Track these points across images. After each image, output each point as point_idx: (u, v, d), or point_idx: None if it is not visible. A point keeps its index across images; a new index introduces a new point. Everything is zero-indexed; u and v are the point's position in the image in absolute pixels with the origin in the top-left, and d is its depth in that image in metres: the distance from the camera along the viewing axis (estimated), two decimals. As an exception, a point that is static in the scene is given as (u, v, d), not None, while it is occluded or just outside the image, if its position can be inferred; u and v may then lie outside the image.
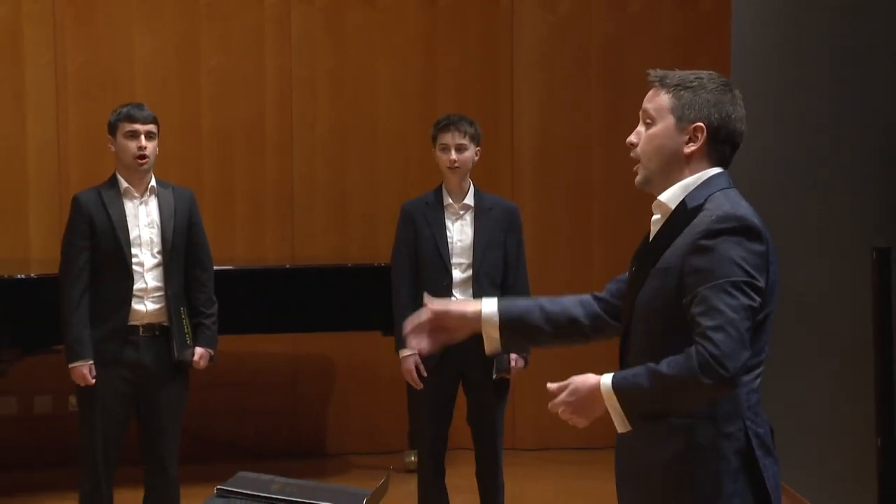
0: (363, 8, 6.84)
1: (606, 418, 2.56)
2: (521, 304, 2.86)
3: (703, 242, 2.48)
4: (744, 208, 2.53)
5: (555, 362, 6.20)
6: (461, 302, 2.91)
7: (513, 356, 4.85)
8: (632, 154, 2.67)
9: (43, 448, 6.51)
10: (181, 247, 4.75)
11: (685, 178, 2.61)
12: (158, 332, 4.68)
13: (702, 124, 2.59)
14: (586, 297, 2.86)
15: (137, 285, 4.64)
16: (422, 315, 2.83)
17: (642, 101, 2.67)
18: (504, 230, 4.89)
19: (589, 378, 2.55)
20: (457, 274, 4.80)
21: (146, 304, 4.66)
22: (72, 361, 4.60)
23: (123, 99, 5.17)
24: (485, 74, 6.93)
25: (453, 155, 4.83)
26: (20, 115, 6.57)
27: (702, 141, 2.60)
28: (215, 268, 4.95)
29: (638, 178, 2.67)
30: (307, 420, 6.91)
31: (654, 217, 2.66)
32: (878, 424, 3.88)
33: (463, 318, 2.84)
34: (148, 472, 4.80)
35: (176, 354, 4.68)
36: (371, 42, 6.85)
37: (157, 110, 4.84)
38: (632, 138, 2.67)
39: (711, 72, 2.66)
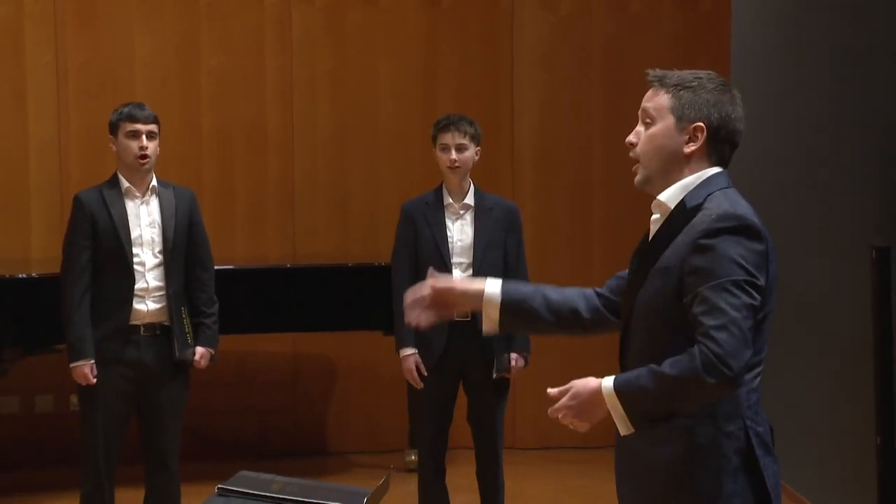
0: (364, 8, 6.84)
1: (606, 418, 2.56)
2: (524, 288, 2.86)
3: (703, 242, 2.48)
4: (743, 207, 2.54)
5: (555, 362, 6.24)
6: (465, 280, 2.92)
7: (513, 355, 4.86)
8: (631, 154, 2.68)
9: (44, 447, 6.52)
10: (182, 246, 4.76)
11: (685, 177, 2.61)
12: (159, 332, 4.69)
13: (702, 124, 2.60)
14: (589, 290, 2.87)
15: (139, 285, 4.65)
16: (423, 289, 2.84)
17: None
18: (504, 230, 4.89)
19: (589, 381, 2.54)
20: (457, 273, 4.80)
21: (147, 304, 4.67)
22: (73, 361, 4.60)
23: (124, 98, 5.18)
24: (485, 74, 6.93)
25: (453, 155, 4.84)
26: (21, 114, 6.58)
27: (702, 141, 2.60)
28: (216, 267, 4.96)
29: (637, 178, 2.67)
30: (308, 419, 6.91)
31: (654, 216, 2.67)
32: (877, 424, 3.88)
33: (465, 295, 2.85)
34: (149, 470, 4.81)
35: (177, 354, 4.68)
36: (372, 42, 6.85)
37: (158, 110, 4.85)
38: (631, 138, 2.68)
39: (710, 72, 2.67)
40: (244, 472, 2.72)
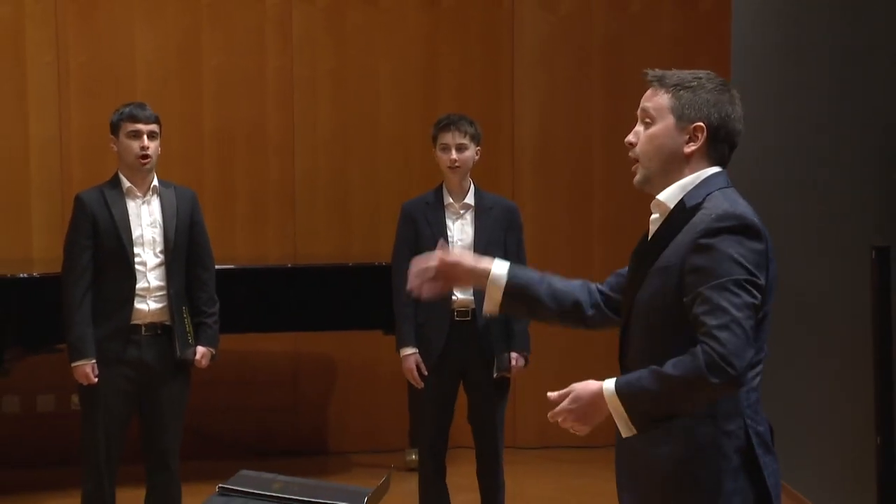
0: (364, 8, 6.85)
1: (607, 419, 2.56)
2: (531, 274, 2.86)
3: (703, 241, 2.48)
4: (742, 207, 2.54)
5: (555, 361, 6.25)
6: (474, 257, 2.92)
7: (513, 355, 4.87)
8: (630, 154, 2.68)
9: (45, 447, 6.52)
10: (183, 246, 4.76)
11: (684, 177, 2.61)
12: (160, 332, 4.69)
13: (702, 124, 2.60)
14: (593, 285, 2.87)
15: (140, 284, 4.65)
16: (431, 260, 2.84)
17: (643, 101, 2.68)
18: (504, 229, 4.90)
19: (590, 384, 2.53)
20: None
21: (148, 304, 4.67)
22: (74, 360, 4.61)
23: (125, 98, 5.18)
24: (486, 74, 6.93)
25: (453, 154, 4.84)
26: (22, 114, 6.58)
27: (702, 140, 2.61)
28: (217, 267, 4.96)
29: (637, 178, 2.67)
30: (308, 419, 6.92)
31: (653, 216, 2.67)
32: (877, 424, 3.88)
33: (472, 272, 2.85)
34: (150, 469, 4.81)
35: (178, 353, 4.69)
36: (372, 42, 6.86)
37: (159, 110, 4.85)
38: (630, 138, 2.68)
39: (709, 72, 2.67)
40: (245, 472, 2.72)
